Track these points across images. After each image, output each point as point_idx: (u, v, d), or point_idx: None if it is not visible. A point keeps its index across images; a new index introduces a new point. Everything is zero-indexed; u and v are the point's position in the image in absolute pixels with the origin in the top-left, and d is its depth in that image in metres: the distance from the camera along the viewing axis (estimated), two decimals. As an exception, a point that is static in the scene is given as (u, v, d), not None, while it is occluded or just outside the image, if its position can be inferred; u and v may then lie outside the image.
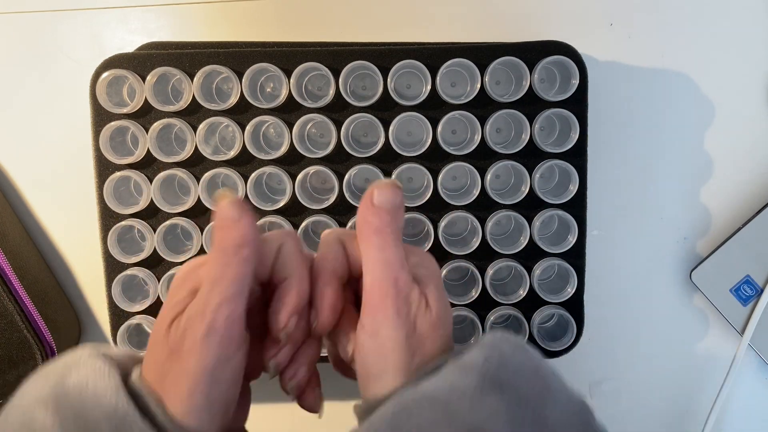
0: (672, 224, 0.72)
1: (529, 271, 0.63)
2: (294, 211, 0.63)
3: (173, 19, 0.69)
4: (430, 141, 0.61)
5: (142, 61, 0.60)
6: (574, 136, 0.60)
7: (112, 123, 0.61)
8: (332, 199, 0.62)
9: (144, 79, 0.60)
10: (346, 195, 0.61)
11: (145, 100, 0.60)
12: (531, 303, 0.64)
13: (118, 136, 0.62)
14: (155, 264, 0.63)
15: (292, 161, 0.62)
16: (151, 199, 0.62)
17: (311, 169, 0.62)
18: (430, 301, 0.43)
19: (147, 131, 0.61)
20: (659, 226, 0.71)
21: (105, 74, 0.60)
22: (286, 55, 0.60)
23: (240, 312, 0.40)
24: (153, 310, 0.63)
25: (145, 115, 0.61)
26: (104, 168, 0.62)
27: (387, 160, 0.62)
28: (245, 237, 0.41)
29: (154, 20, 0.69)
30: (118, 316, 0.63)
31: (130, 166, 0.62)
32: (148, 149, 0.61)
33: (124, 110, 0.61)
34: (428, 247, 0.63)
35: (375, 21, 0.69)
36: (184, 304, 0.41)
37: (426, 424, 0.38)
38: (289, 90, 0.60)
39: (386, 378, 0.41)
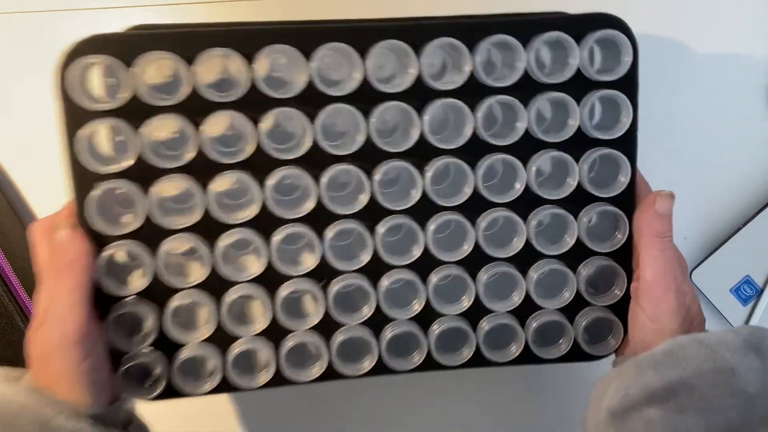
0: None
1: (575, 272, 0.51)
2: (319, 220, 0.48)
3: (174, 19, 0.61)
4: (470, 133, 0.47)
5: (128, 44, 0.44)
6: (626, 121, 0.48)
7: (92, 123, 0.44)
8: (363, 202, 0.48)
9: (131, 66, 0.44)
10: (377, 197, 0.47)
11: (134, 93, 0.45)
12: (576, 305, 0.51)
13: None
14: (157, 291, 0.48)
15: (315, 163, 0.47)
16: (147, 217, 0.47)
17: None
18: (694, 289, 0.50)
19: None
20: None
21: (79, 61, 0.43)
22: (300, 35, 0.45)
23: (83, 315, 0.43)
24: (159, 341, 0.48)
25: (134, 111, 0.45)
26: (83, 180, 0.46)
27: (421, 155, 0.47)
28: (78, 254, 0.44)
29: (155, 20, 0.61)
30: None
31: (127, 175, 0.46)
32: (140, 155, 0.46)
33: (106, 107, 0.45)
34: (468, 251, 0.49)
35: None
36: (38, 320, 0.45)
37: (693, 356, 0.43)
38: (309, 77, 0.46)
39: None
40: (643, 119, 0.59)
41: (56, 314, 0.43)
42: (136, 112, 0.44)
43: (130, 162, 0.44)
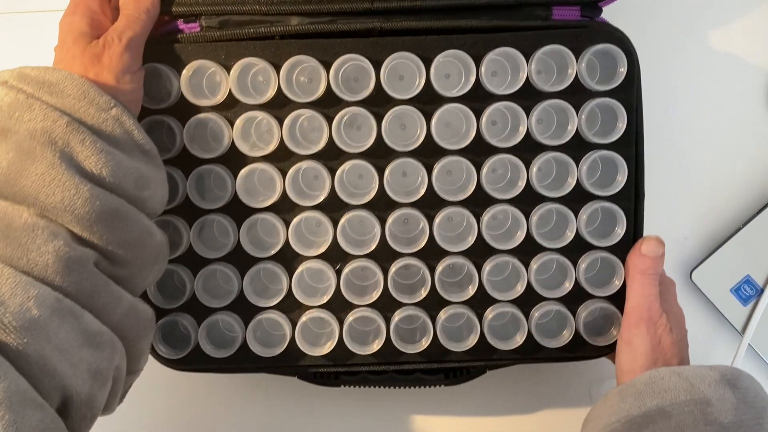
0: (672, 224, 0.63)
1: (575, 264, 0.53)
2: (332, 207, 0.52)
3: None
4: (473, 134, 0.50)
5: (176, 53, 0.50)
6: (621, 126, 0.50)
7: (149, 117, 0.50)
8: (371, 194, 0.51)
9: (181, 73, 0.50)
10: (386, 189, 0.51)
11: (182, 94, 0.50)
12: (576, 297, 0.53)
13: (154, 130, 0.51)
14: (191, 261, 0.52)
15: (331, 156, 0.51)
16: (187, 195, 0.51)
17: (348, 164, 0.51)
18: (673, 328, 0.51)
19: (184, 126, 0.50)
20: (659, 226, 0.61)
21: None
22: (324, 47, 0.50)
23: (143, 42, 0.48)
24: (189, 306, 0.52)
25: (181, 109, 0.50)
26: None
27: (428, 154, 0.51)
28: None
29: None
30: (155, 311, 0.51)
31: (167, 161, 0.50)
32: (185, 145, 0.51)
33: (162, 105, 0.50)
34: (472, 242, 0.52)
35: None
36: (95, 31, 0.47)
37: (671, 387, 0.45)
38: (328, 82, 0.50)
39: (636, 374, 0.49)
40: (644, 119, 0.59)
41: (129, 34, 0.46)
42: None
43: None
